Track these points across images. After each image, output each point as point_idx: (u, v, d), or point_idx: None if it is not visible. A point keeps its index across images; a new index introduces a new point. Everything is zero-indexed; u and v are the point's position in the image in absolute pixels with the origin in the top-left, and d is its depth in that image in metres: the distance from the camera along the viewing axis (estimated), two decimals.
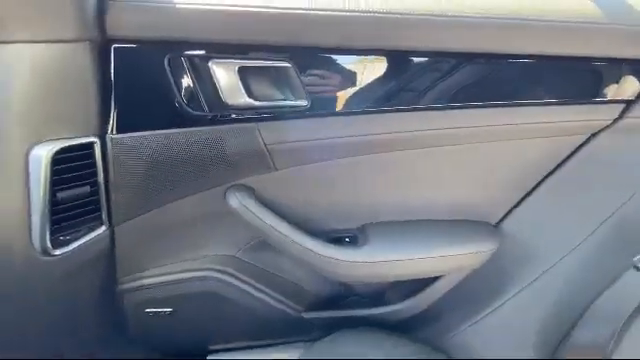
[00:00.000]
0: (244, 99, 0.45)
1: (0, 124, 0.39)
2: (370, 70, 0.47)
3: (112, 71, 0.42)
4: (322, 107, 0.47)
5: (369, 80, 0.47)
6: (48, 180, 0.41)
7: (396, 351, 0.47)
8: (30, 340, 0.49)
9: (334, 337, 0.51)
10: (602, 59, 0.49)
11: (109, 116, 0.44)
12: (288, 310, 0.60)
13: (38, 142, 0.40)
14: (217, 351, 0.66)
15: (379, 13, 0.43)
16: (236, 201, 0.50)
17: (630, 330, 0.44)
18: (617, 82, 0.50)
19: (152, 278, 0.54)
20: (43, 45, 0.37)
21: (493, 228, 0.58)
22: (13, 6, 0.36)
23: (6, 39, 0.36)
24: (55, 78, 0.39)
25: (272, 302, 0.58)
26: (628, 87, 0.51)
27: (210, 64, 0.43)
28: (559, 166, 0.55)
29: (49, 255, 0.43)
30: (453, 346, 0.61)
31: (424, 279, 0.59)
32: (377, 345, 0.48)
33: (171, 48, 0.42)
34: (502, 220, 0.60)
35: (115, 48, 0.41)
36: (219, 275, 0.55)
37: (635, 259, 0.46)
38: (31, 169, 0.41)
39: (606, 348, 0.45)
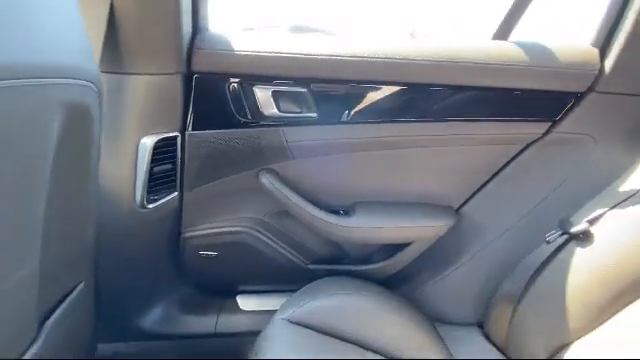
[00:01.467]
0: (274, 111, 0.67)
1: (123, 124, 0.63)
2: (360, 94, 0.68)
3: (192, 92, 0.65)
4: (325, 118, 0.68)
5: (359, 101, 0.68)
6: (149, 159, 0.65)
7: (362, 292, 0.69)
8: (126, 263, 0.74)
9: (320, 281, 0.73)
10: (532, 90, 0.67)
11: (187, 120, 0.67)
12: (297, 261, 0.82)
13: (145, 135, 0.64)
14: (244, 292, 0.90)
15: (362, 57, 0.64)
16: (265, 180, 0.73)
17: (534, 284, 0.64)
18: (545, 106, 0.68)
19: (205, 230, 0.78)
20: (156, 76, 0.60)
21: (452, 210, 0.78)
22: (141, 51, 0.59)
23: (136, 71, 0.59)
24: (158, 96, 0.63)
25: (286, 254, 0.81)
26: (554, 109, 0.69)
27: (254, 89, 0.65)
28: (503, 167, 0.74)
29: (144, 208, 0.67)
30: (419, 298, 0.81)
31: (400, 245, 0.80)
32: (348, 286, 0.70)
33: (230, 78, 0.65)
34: (462, 206, 0.79)
35: (196, 78, 0.64)
36: (250, 231, 0.78)
37: (547, 235, 0.65)
38: (139, 153, 0.64)
39: (519, 296, 0.65)
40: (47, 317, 0.48)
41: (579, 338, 0.56)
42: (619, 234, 0.56)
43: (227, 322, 0.84)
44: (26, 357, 0.43)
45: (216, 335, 0.83)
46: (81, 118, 0.39)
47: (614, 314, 0.54)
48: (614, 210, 0.58)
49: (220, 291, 0.88)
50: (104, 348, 0.72)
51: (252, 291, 0.90)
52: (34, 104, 0.32)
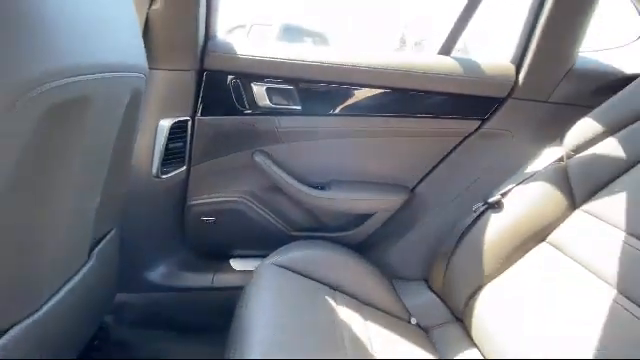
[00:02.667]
0: (267, 103, 0.85)
1: (146, 109, 0.79)
2: (335, 93, 0.86)
3: (202, 85, 0.82)
4: (308, 110, 0.87)
5: (334, 98, 0.86)
6: (166, 138, 0.81)
7: (334, 249, 0.87)
8: (140, 224, 0.89)
9: (301, 241, 0.91)
10: (466, 95, 0.88)
11: (197, 107, 0.84)
12: (282, 228, 1.00)
13: (163, 118, 0.80)
14: (236, 256, 1.07)
15: (336, 64, 0.82)
16: (259, 159, 0.90)
17: (461, 243, 0.83)
18: (476, 108, 0.89)
19: (206, 199, 0.94)
20: (175, 72, 0.77)
21: (406, 188, 0.98)
22: (165, 51, 0.75)
23: (160, 67, 0.75)
24: (176, 88, 0.79)
25: (273, 222, 0.99)
26: (483, 111, 0.89)
27: (252, 85, 0.83)
28: (446, 155, 0.94)
29: (158, 178, 0.84)
30: (381, 260, 1.00)
31: (365, 215, 0.99)
32: (323, 245, 0.88)
33: (234, 76, 0.82)
34: (415, 186, 0.99)
35: (206, 74, 0.81)
36: (244, 201, 0.96)
37: (474, 207, 0.85)
38: (158, 132, 0.81)
39: (450, 253, 0.84)
40: (94, 247, 0.64)
41: (491, 281, 0.76)
42: (521, 203, 0.76)
43: (221, 279, 1.01)
44: (78, 276, 0.59)
45: (212, 289, 0.99)
46: (135, 103, 0.55)
47: (515, 261, 0.74)
48: (519, 186, 0.78)
49: (216, 254, 1.05)
50: (118, 297, 0.88)
51: (243, 255, 1.07)
52: (115, 91, 0.48)
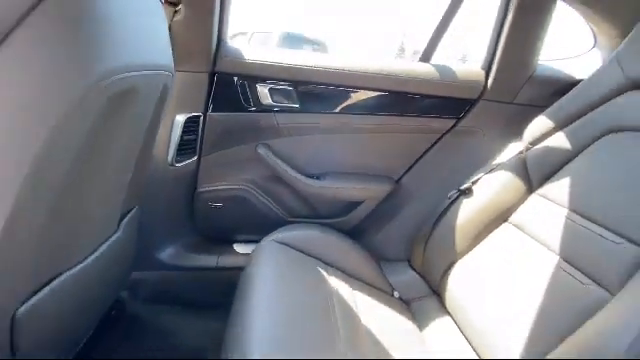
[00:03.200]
0: (270, 101, 0.97)
1: (168, 108, 0.91)
2: (329, 94, 0.99)
3: (214, 86, 0.94)
4: (305, 109, 0.99)
5: (328, 98, 0.99)
6: (181, 131, 0.93)
7: (327, 232, 0.98)
8: (154, 207, 1.00)
9: (298, 224, 1.02)
10: (443, 97, 1.00)
11: (208, 104, 0.96)
12: (280, 214, 1.12)
13: (178, 113, 0.92)
14: (239, 241, 1.18)
15: (330, 69, 0.95)
16: (261, 151, 1.02)
17: (438, 226, 0.95)
18: (452, 108, 1.02)
19: (214, 187, 1.06)
20: (191, 74, 0.89)
21: (391, 179, 1.10)
22: (183, 55, 0.87)
23: (178, 70, 0.87)
24: (191, 87, 0.91)
25: (272, 208, 1.10)
26: (458, 111, 1.02)
27: (257, 85, 0.95)
28: (427, 150, 1.07)
29: (173, 166, 0.96)
30: (370, 244, 1.11)
31: (355, 203, 1.11)
32: (318, 227, 0.99)
33: (240, 77, 0.94)
34: (400, 177, 1.11)
35: (217, 76, 0.93)
36: (248, 189, 1.07)
37: (448, 194, 0.96)
38: (174, 126, 0.93)
39: (428, 235, 0.96)
40: (122, 218, 0.75)
41: (462, 257, 0.88)
42: (487, 189, 0.88)
43: (225, 260, 1.11)
44: (108, 243, 0.70)
45: (216, 269, 1.10)
46: (164, 97, 0.67)
47: (482, 239, 0.86)
48: (487, 175, 0.91)
49: (221, 238, 1.16)
50: (132, 275, 0.99)
51: (245, 240, 1.18)
52: (152, 86, 0.60)
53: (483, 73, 1.00)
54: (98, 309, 0.79)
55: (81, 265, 0.60)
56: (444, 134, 1.05)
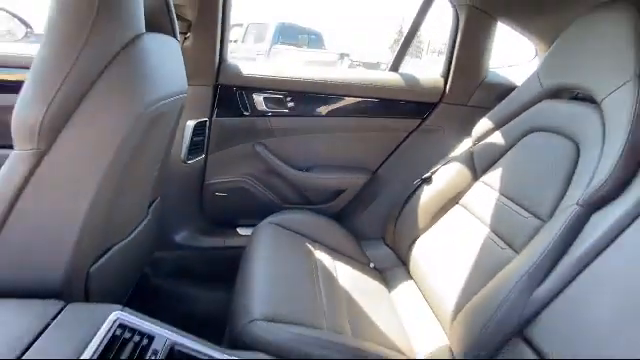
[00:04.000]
0: (264, 108, 1.17)
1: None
2: (314, 100, 1.18)
3: (217, 95, 1.13)
4: (293, 113, 1.19)
5: (314, 104, 1.18)
6: (191, 134, 1.13)
7: (315, 216, 1.19)
8: (171, 196, 1.20)
9: (291, 210, 1.23)
10: (410, 101, 1.20)
11: (213, 111, 1.15)
12: (275, 201, 1.32)
13: (189, 119, 1.12)
14: (241, 225, 1.39)
15: (314, 80, 1.14)
16: (258, 149, 1.22)
17: (404, 208, 1.15)
18: (418, 110, 1.21)
19: (219, 179, 1.26)
20: (199, 87, 1.08)
21: (369, 170, 1.30)
22: (191, 73, 1.06)
23: (189, 84, 1.06)
24: (198, 98, 1.10)
25: (269, 196, 1.31)
26: (422, 112, 1.22)
27: (253, 95, 1.15)
28: (398, 146, 1.27)
29: (185, 163, 1.16)
30: (351, 226, 1.32)
31: (338, 191, 1.31)
32: (308, 212, 1.20)
33: (239, 88, 1.14)
34: (377, 169, 1.31)
35: (220, 87, 1.12)
36: (248, 181, 1.28)
37: (415, 182, 1.17)
38: (186, 129, 1.12)
39: (397, 215, 1.17)
40: (150, 206, 0.96)
41: (423, 234, 1.09)
42: (443, 178, 1.08)
43: (230, 241, 1.32)
44: (142, 224, 0.91)
45: (223, 248, 1.31)
46: (180, 111, 0.87)
47: (439, 219, 1.07)
48: (444, 166, 1.11)
49: (226, 222, 1.37)
50: (155, 254, 1.19)
51: (246, 224, 1.39)
52: (175, 107, 0.79)
53: (442, 80, 1.19)
54: (135, 274, 1.00)
55: (125, 240, 0.81)
56: (411, 132, 1.24)
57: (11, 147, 0.55)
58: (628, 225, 0.58)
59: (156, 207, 1.01)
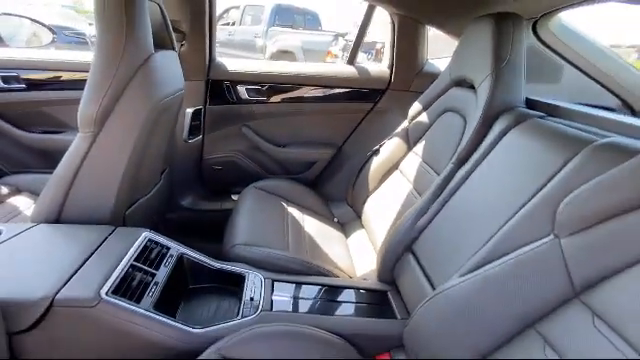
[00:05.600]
0: (247, 97, 1.47)
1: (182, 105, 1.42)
2: (289, 89, 1.48)
3: (209, 88, 1.44)
4: (271, 100, 1.49)
5: (288, 92, 1.48)
6: (190, 119, 1.44)
7: (288, 183, 1.51)
8: (176, 170, 1.53)
9: (268, 178, 1.55)
10: (364, 88, 1.49)
11: (206, 100, 1.46)
12: (260, 172, 1.64)
13: (188, 107, 1.43)
14: (233, 192, 1.72)
15: (286, 73, 1.44)
16: (245, 130, 1.54)
17: (360, 174, 1.47)
18: (371, 95, 1.50)
19: (215, 155, 1.59)
20: (194, 82, 1.38)
21: (336, 145, 1.61)
22: (188, 71, 1.36)
23: (185, 79, 1.37)
24: (194, 90, 1.41)
25: (255, 168, 1.63)
26: (375, 97, 1.51)
27: (237, 86, 1.45)
28: (357, 125, 1.57)
29: (186, 142, 1.48)
30: (323, 191, 1.64)
31: (311, 162, 1.63)
32: (281, 181, 1.52)
33: (226, 81, 1.44)
34: (342, 145, 1.62)
35: (211, 82, 1.43)
36: (238, 156, 1.60)
37: (368, 154, 1.48)
38: (186, 115, 1.44)
39: (354, 180, 1.49)
40: (163, 171, 1.29)
41: (372, 194, 1.41)
42: (387, 149, 1.39)
43: (225, 204, 1.66)
44: (157, 185, 1.24)
45: (219, 211, 1.65)
46: (181, 102, 1.17)
47: (384, 181, 1.39)
48: (389, 140, 1.41)
49: (222, 190, 1.70)
50: (166, 215, 1.54)
51: (238, 191, 1.72)
52: (177, 100, 1.10)
53: (388, 71, 1.48)
54: (154, 219, 1.34)
55: (146, 196, 1.14)
56: (367, 114, 1.54)
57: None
58: (471, 173, 0.89)
59: (166, 174, 1.34)
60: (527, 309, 0.59)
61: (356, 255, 1.28)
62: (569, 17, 1.20)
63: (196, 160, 1.58)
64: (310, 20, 7.38)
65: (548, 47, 1.19)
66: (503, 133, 0.88)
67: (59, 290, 0.66)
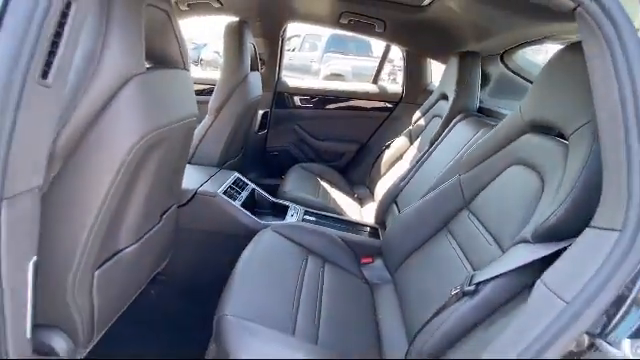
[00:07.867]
0: (300, 104, 2.13)
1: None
2: (326, 100, 2.11)
3: (275, 97, 2.12)
4: (316, 107, 2.13)
5: (328, 103, 2.11)
6: (260, 117, 2.12)
7: (306, 226, 2.10)
8: (250, 153, 2.20)
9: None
10: (386, 101, 2.07)
11: (272, 105, 2.14)
12: (306, 160, 2.25)
13: (260, 110, 2.10)
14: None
15: (329, 89, 2.08)
16: (296, 128, 2.19)
17: (376, 164, 2.02)
18: (389, 106, 2.07)
19: (274, 145, 2.24)
20: (266, 92, 2.06)
21: (361, 142, 2.19)
22: (265, 85, 2.04)
23: (264, 91, 2.04)
24: (264, 99, 2.09)
25: (301, 155, 2.25)
26: (392, 107, 2.08)
27: (293, 97, 2.12)
28: (378, 127, 2.14)
29: (257, 134, 2.15)
30: (349, 175, 2.21)
31: (343, 154, 2.21)
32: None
33: (287, 93, 2.11)
34: (366, 142, 2.19)
35: (277, 93, 2.11)
36: (290, 146, 2.24)
37: (382, 147, 2.02)
38: (258, 116, 2.11)
39: (371, 168, 2.03)
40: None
41: (383, 177, 1.94)
42: (397, 144, 1.93)
43: (278, 181, 2.29)
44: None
45: (274, 185, 2.28)
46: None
47: (392, 167, 1.92)
48: (398, 138, 1.95)
49: (276, 172, 2.33)
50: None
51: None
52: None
53: (401, 89, 2.05)
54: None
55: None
56: (385, 119, 2.11)
57: None
58: (432, 153, 1.42)
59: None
60: (441, 218, 1.09)
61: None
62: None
63: (262, 148, 2.24)
64: (362, 47, 8.12)
65: (513, 72, 1.67)
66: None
67: (200, 187, 1.30)
